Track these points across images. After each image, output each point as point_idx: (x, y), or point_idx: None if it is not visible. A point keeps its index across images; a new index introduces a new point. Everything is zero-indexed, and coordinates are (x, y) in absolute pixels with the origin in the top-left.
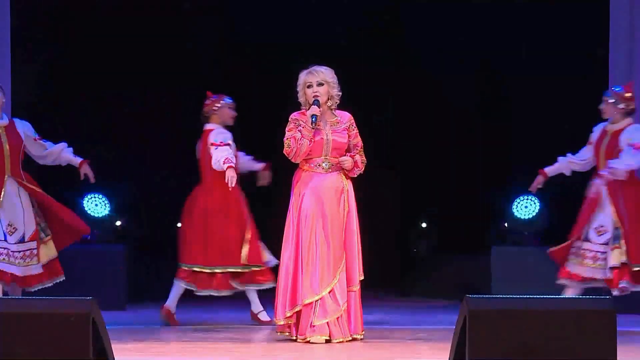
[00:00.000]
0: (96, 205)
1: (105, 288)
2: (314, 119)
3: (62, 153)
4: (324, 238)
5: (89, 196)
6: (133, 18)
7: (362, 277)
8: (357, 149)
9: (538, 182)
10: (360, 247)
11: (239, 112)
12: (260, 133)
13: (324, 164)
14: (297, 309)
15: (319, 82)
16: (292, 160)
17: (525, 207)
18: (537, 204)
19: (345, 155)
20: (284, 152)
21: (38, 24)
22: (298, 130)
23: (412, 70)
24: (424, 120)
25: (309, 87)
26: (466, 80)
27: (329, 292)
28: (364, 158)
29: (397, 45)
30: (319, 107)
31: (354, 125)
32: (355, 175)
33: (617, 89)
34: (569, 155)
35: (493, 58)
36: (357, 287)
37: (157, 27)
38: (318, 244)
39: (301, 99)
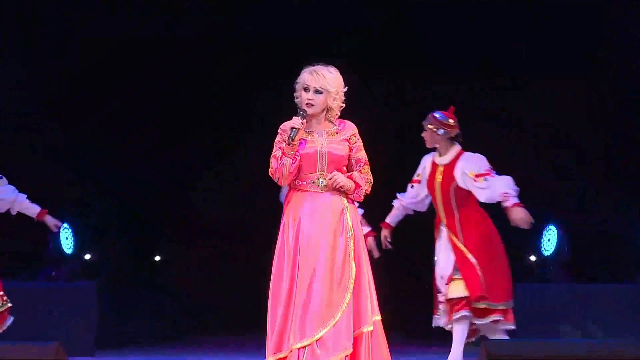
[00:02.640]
0: (66, 239)
1: (73, 331)
2: (292, 134)
3: (16, 201)
4: (324, 270)
5: (63, 226)
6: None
7: (378, 316)
8: (359, 165)
9: (385, 237)
10: (371, 280)
11: (239, 113)
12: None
13: (319, 182)
14: (282, 355)
15: (317, 88)
16: (279, 184)
17: (549, 241)
18: (555, 233)
19: (339, 173)
20: (269, 173)
21: (31, 24)
22: (279, 148)
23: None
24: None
25: (305, 89)
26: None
27: (323, 336)
28: (370, 177)
29: (397, 45)
30: (303, 119)
31: (357, 136)
32: (359, 198)
33: (437, 115)
34: (398, 196)
35: (493, 58)
36: (368, 328)
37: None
38: (317, 277)
39: (296, 100)
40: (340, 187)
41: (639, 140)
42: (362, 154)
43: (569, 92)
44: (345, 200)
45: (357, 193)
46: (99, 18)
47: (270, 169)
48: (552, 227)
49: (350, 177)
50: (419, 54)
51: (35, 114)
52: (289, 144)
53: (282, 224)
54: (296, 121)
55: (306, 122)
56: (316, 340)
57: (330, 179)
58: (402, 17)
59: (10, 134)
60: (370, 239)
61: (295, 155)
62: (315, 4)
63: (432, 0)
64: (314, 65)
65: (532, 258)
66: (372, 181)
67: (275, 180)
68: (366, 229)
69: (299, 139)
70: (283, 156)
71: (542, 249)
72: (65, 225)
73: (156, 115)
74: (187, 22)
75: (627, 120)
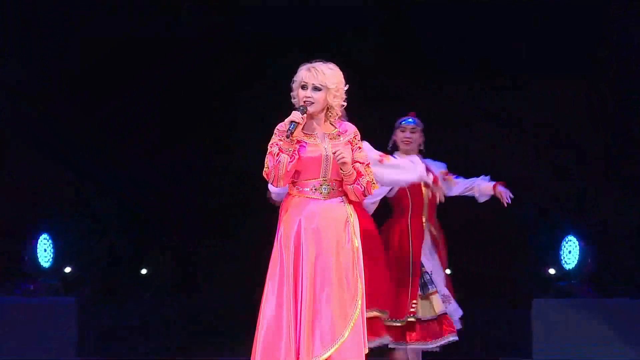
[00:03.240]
0: (44, 251)
1: (52, 349)
2: (291, 127)
3: None
4: (331, 284)
5: (42, 237)
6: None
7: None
8: (362, 167)
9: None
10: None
11: (238, 113)
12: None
13: (322, 188)
14: None
15: (315, 85)
16: (274, 185)
17: (570, 253)
18: (577, 245)
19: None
20: (263, 174)
21: (31, 24)
22: (275, 144)
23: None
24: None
25: (303, 87)
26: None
27: (331, 356)
28: (372, 178)
29: (397, 45)
30: (303, 114)
31: (359, 138)
32: (359, 191)
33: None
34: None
35: (493, 58)
36: (365, 352)
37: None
38: (324, 292)
39: (294, 100)
40: (344, 162)
41: (639, 140)
42: (364, 155)
43: (569, 92)
44: (349, 207)
45: (358, 183)
46: (99, 18)
47: (265, 169)
48: (571, 237)
49: (352, 167)
50: (419, 54)
51: (35, 114)
52: (287, 137)
53: (279, 232)
54: (296, 115)
55: (305, 120)
56: None
57: (335, 152)
58: (402, 17)
59: (9, 133)
60: (500, 187)
61: (293, 153)
62: (315, 4)
63: (432, 0)
64: (311, 62)
65: (552, 271)
66: (374, 182)
67: (270, 181)
68: (490, 183)
69: (299, 141)
70: (280, 153)
71: (563, 261)
72: (45, 236)
73: (156, 115)
74: (187, 22)
75: (627, 120)
